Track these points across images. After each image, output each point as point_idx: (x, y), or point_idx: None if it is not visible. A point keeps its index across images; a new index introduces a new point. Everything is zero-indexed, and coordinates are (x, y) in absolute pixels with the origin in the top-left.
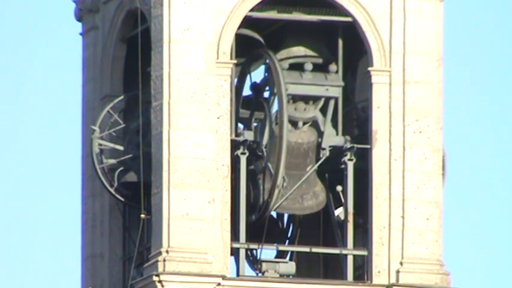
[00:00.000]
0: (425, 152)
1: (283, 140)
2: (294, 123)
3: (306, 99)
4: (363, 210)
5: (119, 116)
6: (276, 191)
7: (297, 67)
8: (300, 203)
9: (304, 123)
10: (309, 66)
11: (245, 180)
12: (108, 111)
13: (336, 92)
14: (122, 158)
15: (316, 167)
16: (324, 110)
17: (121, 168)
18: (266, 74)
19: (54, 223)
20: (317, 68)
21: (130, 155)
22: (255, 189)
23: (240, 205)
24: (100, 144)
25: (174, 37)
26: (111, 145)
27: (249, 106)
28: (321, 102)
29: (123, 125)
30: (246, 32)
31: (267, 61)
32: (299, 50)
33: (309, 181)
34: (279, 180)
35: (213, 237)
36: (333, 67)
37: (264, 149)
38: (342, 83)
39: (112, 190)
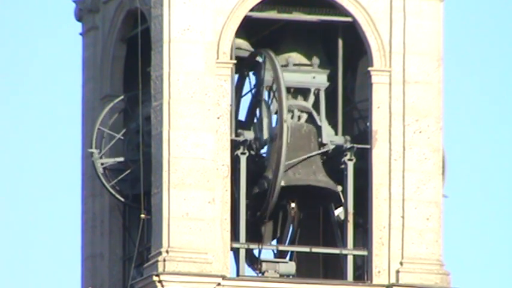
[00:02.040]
0: (425, 152)
1: (281, 82)
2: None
3: (296, 93)
4: (363, 210)
5: (118, 117)
6: (285, 128)
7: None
8: (314, 176)
9: (299, 116)
10: (291, 59)
11: (245, 180)
12: (99, 128)
13: (324, 79)
14: (127, 172)
15: (322, 151)
16: (316, 107)
17: (129, 177)
18: (261, 75)
19: (54, 223)
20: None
21: (133, 167)
22: (260, 178)
23: (240, 205)
24: (102, 164)
25: (174, 37)
26: (113, 160)
27: (245, 127)
28: (311, 97)
29: (119, 136)
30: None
31: (261, 60)
32: (294, 59)
33: (318, 166)
34: (285, 115)
35: (213, 237)
36: (315, 60)
37: (267, 138)
38: (327, 70)
39: (128, 201)
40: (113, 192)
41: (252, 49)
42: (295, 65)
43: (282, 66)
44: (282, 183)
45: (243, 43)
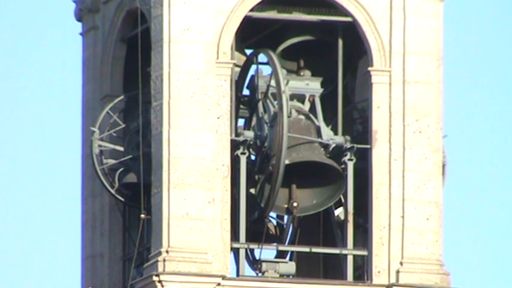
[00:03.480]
0: (425, 152)
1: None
2: (288, 115)
3: (291, 98)
4: (363, 210)
5: (119, 117)
6: (284, 99)
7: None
8: (318, 154)
9: (298, 115)
10: (283, 71)
11: (245, 180)
12: (108, 112)
13: (317, 85)
14: (123, 159)
15: (324, 142)
16: (313, 111)
17: (121, 169)
18: (255, 82)
19: (54, 223)
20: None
21: (130, 156)
22: (265, 168)
23: (240, 205)
24: (100, 146)
25: (174, 37)
26: (111, 146)
27: (249, 105)
28: (307, 104)
29: (123, 126)
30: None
31: (257, 68)
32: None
33: (320, 151)
34: (283, 86)
35: (213, 237)
36: (306, 72)
37: (267, 131)
38: (320, 78)
39: (113, 191)
40: (101, 175)
41: (243, 59)
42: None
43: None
44: (286, 162)
45: (237, 55)
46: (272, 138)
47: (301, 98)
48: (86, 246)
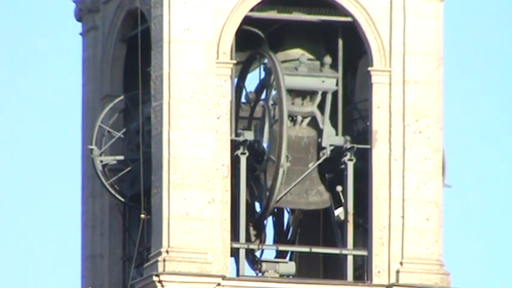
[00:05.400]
0: (425, 152)
1: (284, 113)
2: (292, 120)
3: (303, 94)
4: (363, 210)
5: (118, 117)
6: (280, 172)
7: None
8: (305, 198)
9: (302, 119)
10: (304, 58)
11: (245, 180)
12: (100, 126)
13: (333, 84)
14: (126, 170)
15: (318, 162)
16: (321, 107)
17: (128, 177)
18: (264, 75)
19: (54, 223)
20: (312, 60)
21: (132, 166)
22: (258, 187)
23: (240, 205)
24: (102, 161)
25: (174, 37)
26: (112, 158)
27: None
28: (318, 98)
29: (119, 135)
30: (249, 28)
31: (265, 61)
32: (297, 53)
33: (312, 179)
34: (283, 159)
35: (213, 237)
36: (327, 59)
37: (265, 145)
38: (337, 75)
39: (125, 200)
40: (111, 190)
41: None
42: (308, 63)
43: (291, 70)
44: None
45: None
46: (265, 176)
47: (313, 92)
48: (86, 246)
